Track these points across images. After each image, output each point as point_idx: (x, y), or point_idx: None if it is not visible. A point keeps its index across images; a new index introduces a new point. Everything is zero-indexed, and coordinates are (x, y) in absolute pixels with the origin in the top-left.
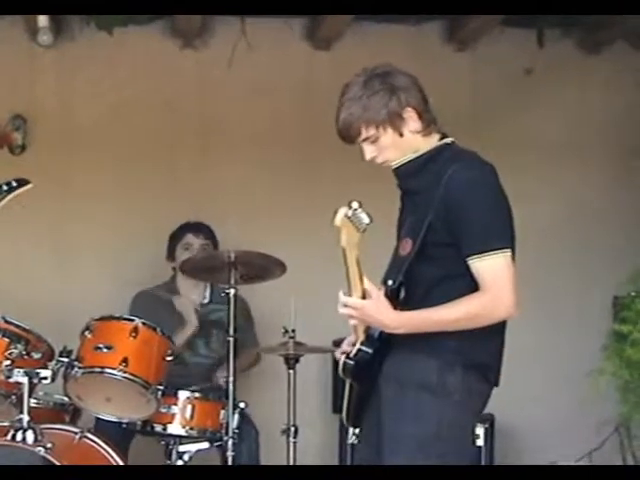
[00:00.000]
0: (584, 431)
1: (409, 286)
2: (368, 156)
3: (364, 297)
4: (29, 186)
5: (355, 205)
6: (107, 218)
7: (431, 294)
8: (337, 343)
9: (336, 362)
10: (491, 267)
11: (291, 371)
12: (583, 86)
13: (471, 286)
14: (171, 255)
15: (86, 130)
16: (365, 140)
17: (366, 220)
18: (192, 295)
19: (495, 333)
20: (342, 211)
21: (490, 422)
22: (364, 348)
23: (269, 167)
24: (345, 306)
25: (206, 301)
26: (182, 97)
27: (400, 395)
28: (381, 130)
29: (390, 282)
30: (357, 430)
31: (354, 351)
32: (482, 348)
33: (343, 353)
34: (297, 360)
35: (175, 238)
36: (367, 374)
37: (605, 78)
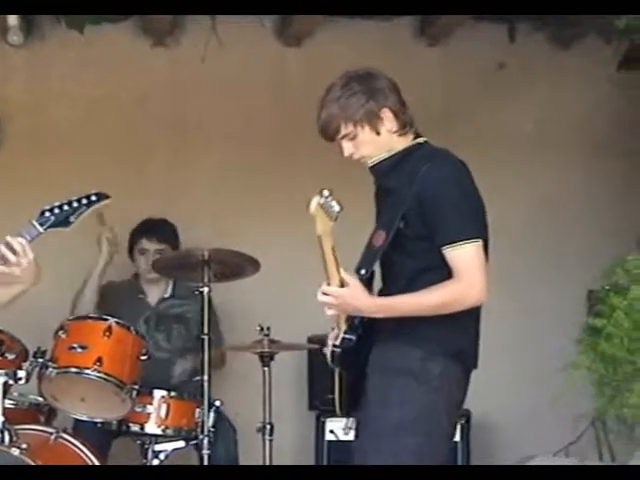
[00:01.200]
0: (560, 425)
1: (388, 277)
2: (346, 152)
3: (342, 285)
4: (107, 201)
5: (326, 193)
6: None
7: (413, 285)
8: (312, 340)
9: (311, 359)
10: (463, 255)
11: (266, 369)
12: (556, 81)
13: (445, 278)
14: (131, 257)
15: (57, 129)
16: (344, 137)
17: (337, 208)
18: (153, 290)
19: (472, 319)
20: (315, 199)
21: (466, 418)
22: (347, 335)
23: (243, 165)
24: (324, 294)
25: (167, 295)
26: (154, 95)
27: (385, 381)
28: (359, 128)
29: (363, 271)
30: (351, 420)
31: (339, 340)
32: (461, 335)
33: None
34: (272, 358)
35: (132, 240)
36: (354, 361)
37: (577, 72)
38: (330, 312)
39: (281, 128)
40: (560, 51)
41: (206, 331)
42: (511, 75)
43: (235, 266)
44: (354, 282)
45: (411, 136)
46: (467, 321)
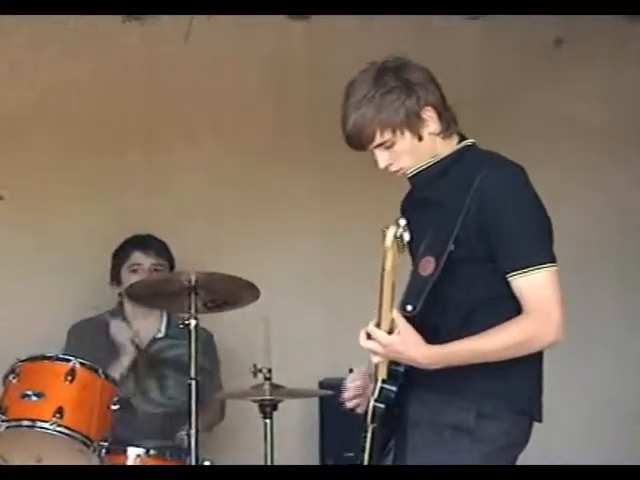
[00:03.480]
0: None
1: (440, 313)
2: (382, 164)
3: (391, 329)
4: None
5: (403, 222)
6: (37, 230)
7: (471, 320)
8: (325, 385)
9: (323, 408)
10: (536, 284)
11: (268, 420)
12: (621, 58)
13: (510, 311)
14: (115, 278)
15: (6, 121)
16: (379, 146)
17: (407, 239)
18: (143, 327)
19: (535, 361)
20: (392, 230)
21: None
22: (388, 386)
23: (235, 162)
24: (369, 338)
25: (161, 335)
26: (127, 80)
27: (431, 436)
28: (398, 134)
29: (409, 307)
30: None
31: (376, 392)
32: (527, 383)
33: (355, 397)
34: (275, 407)
35: (119, 257)
36: (392, 416)
37: None
38: (376, 359)
39: (282, 118)
40: (629, 24)
41: (193, 375)
42: (568, 52)
43: (229, 293)
44: (406, 327)
45: (456, 138)
46: (528, 363)
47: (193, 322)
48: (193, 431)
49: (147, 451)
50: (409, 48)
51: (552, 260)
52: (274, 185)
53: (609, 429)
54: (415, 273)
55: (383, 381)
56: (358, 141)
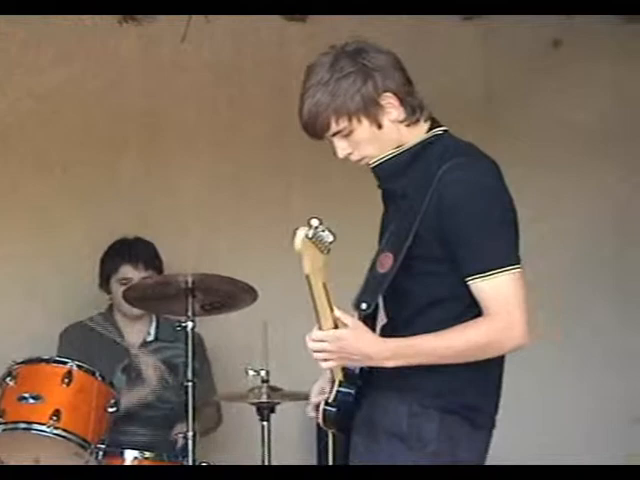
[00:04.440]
0: None
1: (391, 310)
2: (341, 153)
3: (336, 328)
4: None
5: (315, 223)
6: (32, 236)
7: (415, 321)
8: None
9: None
10: (498, 287)
11: (265, 423)
12: (623, 60)
13: (467, 312)
14: (105, 288)
15: (2, 125)
16: (336, 134)
17: (329, 238)
18: (134, 329)
19: (488, 369)
20: (301, 232)
21: None
22: (344, 389)
23: (233, 167)
24: (315, 341)
25: (150, 338)
26: (123, 84)
27: (370, 441)
28: (355, 122)
29: (364, 305)
30: None
31: (332, 395)
32: (469, 389)
33: (315, 405)
34: (273, 410)
35: (107, 267)
36: (351, 419)
37: None
38: (326, 365)
39: (281, 123)
40: (628, 24)
41: (190, 377)
42: (568, 54)
43: (226, 295)
44: (355, 322)
45: (424, 125)
46: (477, 370)
47: (190, 324)
48: (190, 433)
49: (144, 453)
50: (408, 51)
51: (514, 262)
52: (273, 189)
53: (611, 431)
54: (372, 269)
55: (340, 384)
56: (313, 129)
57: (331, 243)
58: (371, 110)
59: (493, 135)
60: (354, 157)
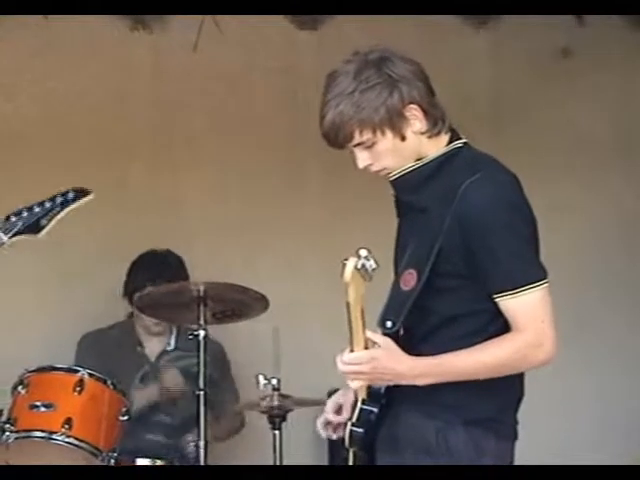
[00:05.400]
0: None
1: (409, 323)
2: (361, 164)
3: (366, 348)
4: (90, 197)
5: (364, 253)
6: (39, 243)
7: (434, 336)
8: (333, 394)
9: None
10: (527, 304)
11: (277, 432)
12: (634, 70)
13: (486, 328)
14: (128, 297)
15: (11, 131)
16: (358, 145)
17: (374, 266)
18: (153, 339)
19: (510, 380)
20: (351, 264)
21: None
22: (367, 407)
23: (243, 176)
24: (348, 364)
25: (170, 348)
26: (134, 92)
27: (393, 456)
28: (379, 134)
29: (389, 324)
30: None
31: (356, 414)
32: (491, 400)
33: (328, 423)
34: (284, 417)
35: (133, 283)
36: (374, 438)
37: None
38: (356, 384)
39: (292, 131)
40: (637, 32)
41: (202, 385)
42: (578, 64)
43: (238, 304)
44: (386, 341)
45: (445, 137)
46: (493, 385)
47: (202, 333)
48: (202, 442)
49: (155, 461)
50: (418, 58)
51: (542, 277)
52: (284, 198)
53: (619, 434)
54: (396, 287)
55: (363, 402)
56: (335, 140)
57: (374, 270)
58: (396, 122)
59: (502, 145)
60: (374, 168)
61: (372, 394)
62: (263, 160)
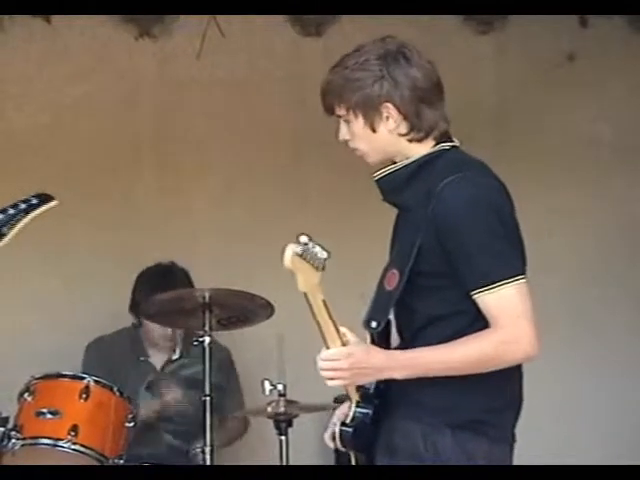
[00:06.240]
0: None
1: (401, 327)
2: (340, 136)
3: (344, 344)
4: (53, 203)
5: (304, 239)
6: (43, 252)
7: (420, 336)
8: (340, 400)
9: None
10: (501, 300)
11: (283, 437)
12: (636, 73)
13: (471, 327)
14: (134, 311)
15: (17, 140)
16: (340, 117)
17: (323, 255)
18: (160, 347)
19: (499, 384)
20: (290, 249)
21: None
22: (360, 409)
23: (248, 183)
24: (326, 361)
25: (176, 356)
26: (139, 99)
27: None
28: (351, 115)
29: (374, 323)
30: None
31: (350, 415)
32: (477, 403)
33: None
34: (290, 423)
35: (140, 298)
36: (371, 441)
37: None
38: (335, 383)
39: (296, 138)
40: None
41: (207, 392)
42: (582, 68)
43: (243, 310)
44: (358, 340)
45: (432, 142)
46: (479, 385)
47: (207, 339)
48: (208, 448)
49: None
50: None
51: (517, 273)
52: (288, 205)
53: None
54: (380, 286)
55: (357, 404)
56: (324, 104)
57: (325, 260)
58: (368, 112)
59: (506, 148)
60: (350, 145)
61: (364, 396)
62: (268, 166)
